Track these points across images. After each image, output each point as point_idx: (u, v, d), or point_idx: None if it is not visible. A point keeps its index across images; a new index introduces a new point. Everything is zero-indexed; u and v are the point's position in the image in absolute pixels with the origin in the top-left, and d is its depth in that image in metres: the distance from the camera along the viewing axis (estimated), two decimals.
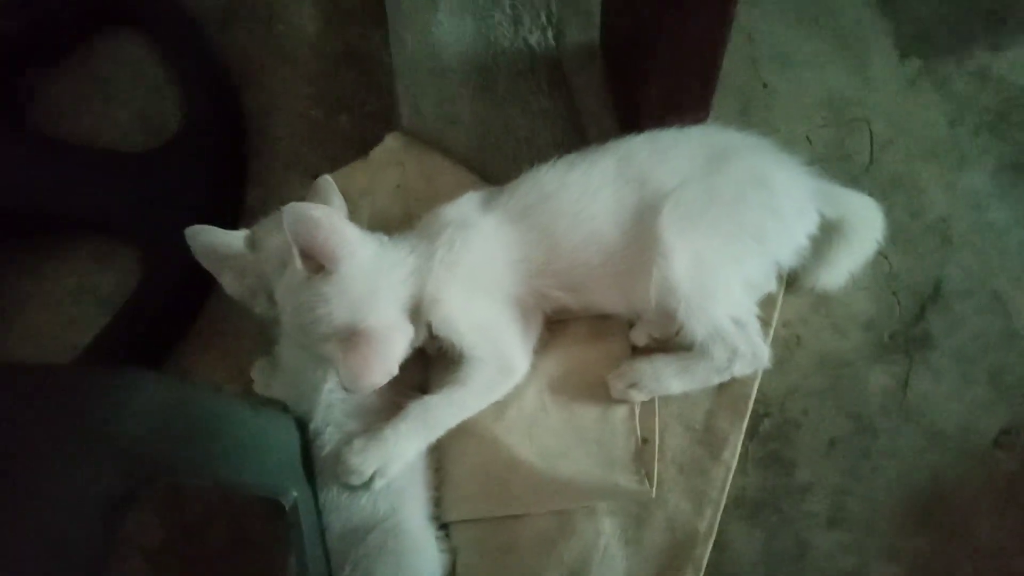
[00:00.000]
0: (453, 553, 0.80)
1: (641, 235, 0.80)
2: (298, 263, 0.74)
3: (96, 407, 0.59)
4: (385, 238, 0.82)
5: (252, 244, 0.82)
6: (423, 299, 0.79)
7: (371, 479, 0.77)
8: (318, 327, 0.75)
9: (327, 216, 0.75)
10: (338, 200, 0.85)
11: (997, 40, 1.04)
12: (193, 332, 0.99)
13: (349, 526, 0.77)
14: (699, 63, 0.85)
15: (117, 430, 0.59)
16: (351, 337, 0.74)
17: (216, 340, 0.98)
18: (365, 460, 0.77)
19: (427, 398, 0.80)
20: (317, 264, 0.75)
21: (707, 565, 0.78)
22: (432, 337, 0.81)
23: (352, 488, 0.78)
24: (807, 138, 1.00)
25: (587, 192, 0.82)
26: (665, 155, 0.83)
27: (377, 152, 1.02)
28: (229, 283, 0.84)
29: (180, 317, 0.99)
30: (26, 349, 0.97)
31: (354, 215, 0.99)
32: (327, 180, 0.85)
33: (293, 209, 0.73)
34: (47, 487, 0.55)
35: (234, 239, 0.83)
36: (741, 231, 0.81)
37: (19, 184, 0.98)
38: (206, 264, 0.84)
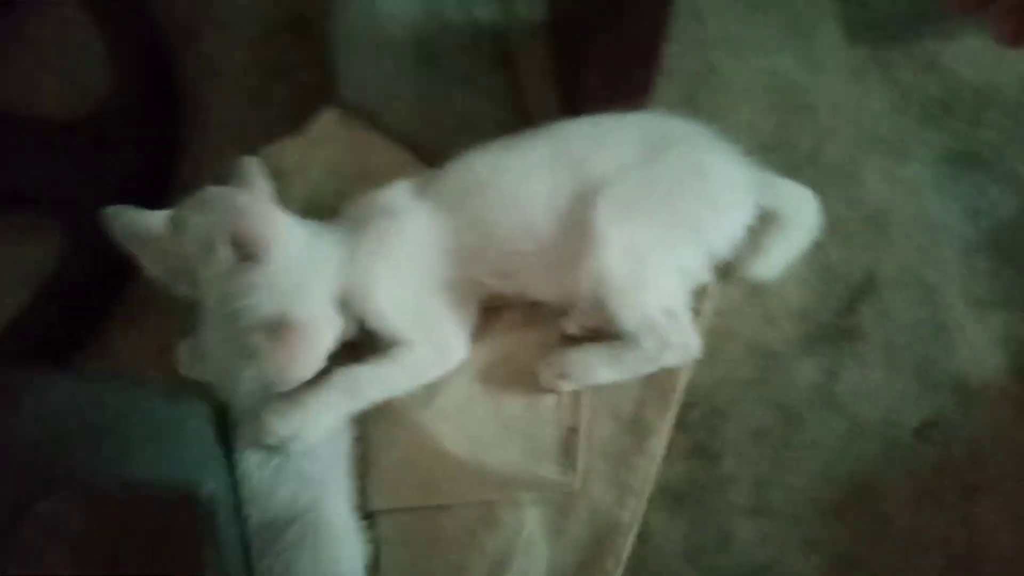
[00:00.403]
0: (376, 544, 0.80)
1: (575, 223, 0.79)
2: (224, 251, 0.71)
3: None
4: (315, 225, 0.80)
5: (176, 225, 0.80)
6: (352, 290, 0.77)
7: (287, 443, 0.76)
8: (243, 317, 0.73)
9: (254, 203, 0.73)
10: (263, 183, 0.82)
11: (947, 29, 1.03)
12: (118, 309, 0.96)
13: (269, 517, 0.76)
14: (640, 48, 0.83)
15: (7, 436, 0.57)
16: (278, 329, 0.73)
17: (142, 318, 0.95)
18: (283, 422, 0.75)
19: (355, 368, 0.79)
20: (244, 252, 0.73)
21: (629, 556, 0.79)
22: (362, 330, 0.79)
23: (268, 449, 0.76)
24: (751, 124, 0.98)
25: (521, 178, 0.81)
26: (602, 142, 0.82)
27: (312, 127, 0.99)
28: (150, 265, 0.81)
29: (104, 294, 0.96)
30: None
31: (287, 193, 0.96)
32: (251, 161, 0.82)
33: (219, 194, 0.71)
34: None
35: (155, 220, 0.80)
36: (677, 221, 0.81)
37: None
38: (126, 246, 0.81)
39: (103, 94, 1.02)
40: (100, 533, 0.67)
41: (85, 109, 1.01)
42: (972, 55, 1.01)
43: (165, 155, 1.03)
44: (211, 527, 0.73)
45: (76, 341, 0.94)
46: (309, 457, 0.78)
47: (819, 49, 1.03)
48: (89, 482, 0.65)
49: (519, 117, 0.98)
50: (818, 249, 0.89)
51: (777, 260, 0.86)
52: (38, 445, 0.61)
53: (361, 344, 0.82)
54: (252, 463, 0.77)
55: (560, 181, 0.80)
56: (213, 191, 0.79)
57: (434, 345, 0.81)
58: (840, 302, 0.89)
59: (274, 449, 0.77)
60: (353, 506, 0.80)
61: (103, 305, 0.95)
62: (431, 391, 0.82)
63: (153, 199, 0.98)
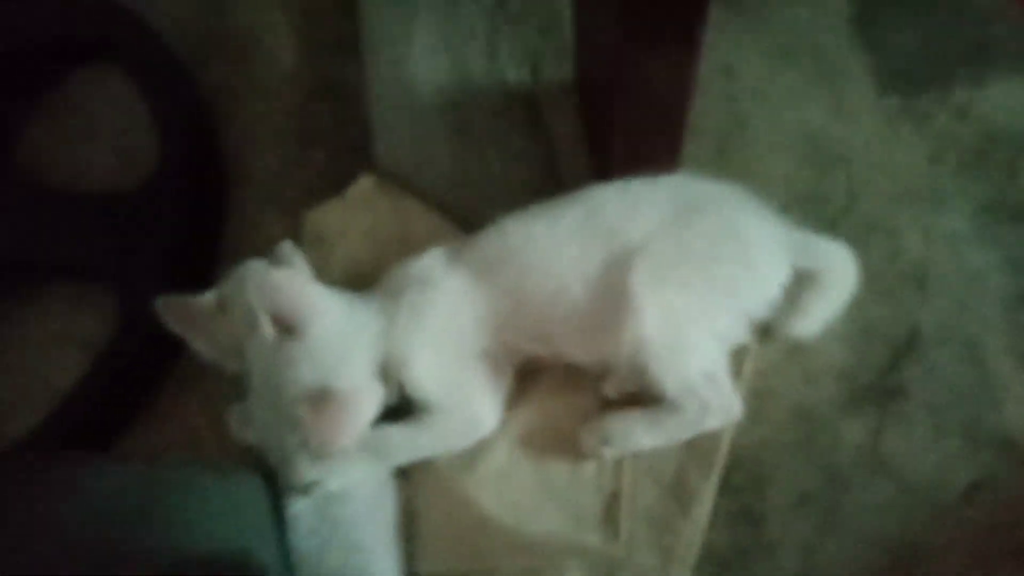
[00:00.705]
0: None
1: (610, 289, 0.80)
2: (265, 328, 0.73)
3: (44, 501, 0.59)
4: (353, 297, 0.82)
5: (221, 306, 0.82)
6: (391, 360, 0.79)
7: (312, 487, 0.78)
8: (287, 389, 0.75)
9: (290, 280, 0.75)
10: (301, 262, 0.84)
11: (980, 76, 1.02)
12: (172, 375, 0.98)
13: None
14: (663, 114, 0.83)
15: (68, 523, 0.59)
16: (321, 399, 0.74)
17: (195, 384, 0.97)
18: (311, 468, 0.78)
19: (386, 429, 0.81)
20: (285, 327, 0.75)
21: None
22: (402, 395, 0.81)
23: (291, 489, 0.79)
24: (784, 178, 0.99)
25: (553, 246, 0.82)
26: (634, 208, 0.83)
27: (351, 193, 1.01)
28: (201, 347, 0.83)
29: (159, 360, 0.98)
30: (9, 394, 0.97)
31: (328, 258, 0.99)
32: (289, 246, 0.85)
33: (256, 274, 0.73)
34: None
35: (202, 304, 0.82)
36: (713, 286, 0.81)
37: (3, 233, 0.98)
38: (178, 331, 0.83)
39: (150, 165, 1.05)
40: None
41: (133, 181, 1.04)
42: (1007, 101, 1.01)
43: (212, 220, 1.06)
44: None
45: (133, 407, 0.96)
46: (357, 524, 0.80)
47: (850, 99, 1.03)
48: (146, 562, 0.66)
49: (552, 179, 0.99)
50: (857, 306, 0.88)
51: (816, 319, 0.85)
52: (96, 527, 0.63)
53: (398, 405, 0.84)
54: (302, 532, 0.79)
55: (593, 247, 0.81)
56: (251, 267, 0.81)
57: (466, 416, 0.82)
58: (882, 360, 0.88)
59: (305, 492, 0.78)
60: (401, 571, 0.81)
61: (158, 371, 0.98)
62: (473, 457, 0.83)
63: (202, 265, 1.03)
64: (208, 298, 0.82)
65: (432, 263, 0.84)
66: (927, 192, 0.96)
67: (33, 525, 0.59)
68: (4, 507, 0.62)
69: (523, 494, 0.82)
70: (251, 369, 0.79)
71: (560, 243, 0.82)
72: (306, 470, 0.77)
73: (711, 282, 0.81)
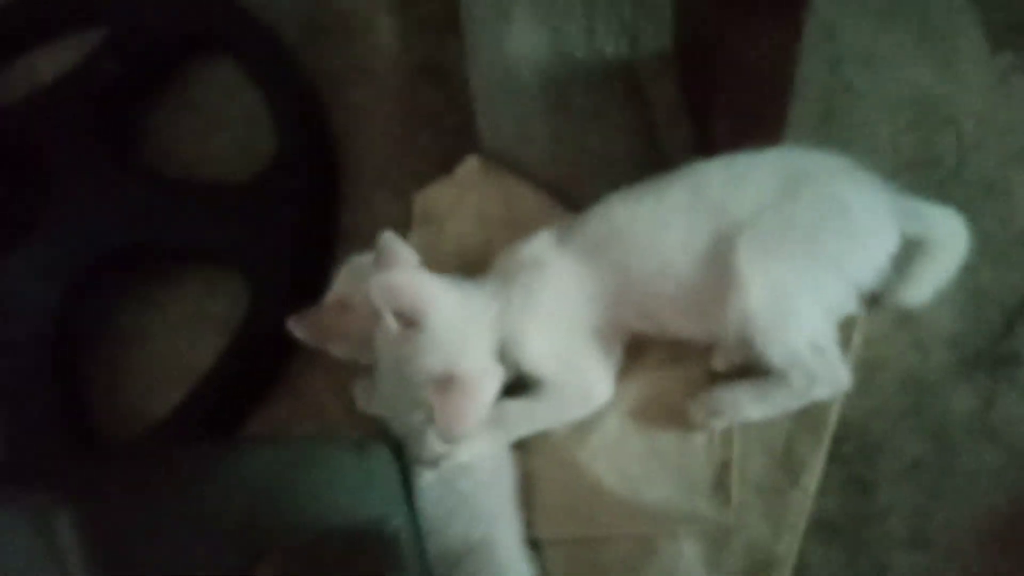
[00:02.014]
0: (544, 573, 0.85)
1: (716, 265, 0.80)
2: (390, 324, 0.77)
3: (209, 486, 0.65)
4: (467, 283, 0.85)
5: (342, 306, 0.86)
6: (507, 341, 0.82)
7: (440, 460, 0.83)
8: (414, 377, 0.79)
9: (408, 279, 0.78)
10: (406, 251, 0.86)
11: None
12: (301, 352, 1.04)
13: (445, 549, 0.82)
14: (767, 84, 0.82)
15: (229, 505, 0.65)
16: (446, 383, 0.78)
17: (321, 359, 1.01)
18: (436, 442, 0.82)
19: (506, 403, 0.84)
20: (407, 320, 0.79)
21: None
22: (519, 373, 0.84)
23: (419, 462, 0.84)
24: (892, 143, 0.96)
25: (659, 223, 0.82)
26: (738, 183, 0.82)
27: (458, 172, 1.04)
28: (337, 350, 0.88)
29: (288, 338, 1.04)
30: (150, 374, 1.05)
31: (438, 237, 1.02)
32: (391, 237, 0.86)
33: (375, 280, 0.77)
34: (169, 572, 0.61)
35: (327, 310, 0.87)
36: (819, 258, 0.81)
37: (132, 221, 1.05)
38: (312, 343, 0.88)
39: (268, 153, 1.10)
40: (310, 572, 0.75)
41: (254, 169, 1.10)
42: None
43: (329, 204, 1.11)
44: (396, 557, 0.81)
45: (264, 384, 1.03)
46: (480, 494, 0.85)
47: (959, 57, 0.99)
48: (290, 536, 0.72)
49: (653, 152, 0.99)
50: (969, 271, 0.86)
51: (926, 286, 0.84)
52: (239, 509, 0.68)
53: (516, 382, 0.88)
54: (429, 500, 0.84)
55: (698, 223, 0.82)
56: (359, 262, 0.85)
57: (581, 388, 0.85)
58: (995, 326, 0.86)
59: (434, 466, 0.83)
60: (522, 538, 0.86)
61: (286, 350, 1.03)
62: (585, 429, 0.86)
63: (322, 247, 1.08)
64: (329, 301, 0.87)
65: (542, 245, 0.86)
66: None
67: (177, 512, 0.65)
68: (150, 495, 0.68)
69: (634, 464, 0.85)
70: (379, 356, 0.83)
71: (665, 221, 0.82)
72: (433, 445, 0.82)
73: (817, 254, 0.80)
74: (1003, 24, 0.98)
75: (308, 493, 0.74)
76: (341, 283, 0.88)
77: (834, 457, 0.84)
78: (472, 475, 0.84)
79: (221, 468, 0.68)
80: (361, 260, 0.90)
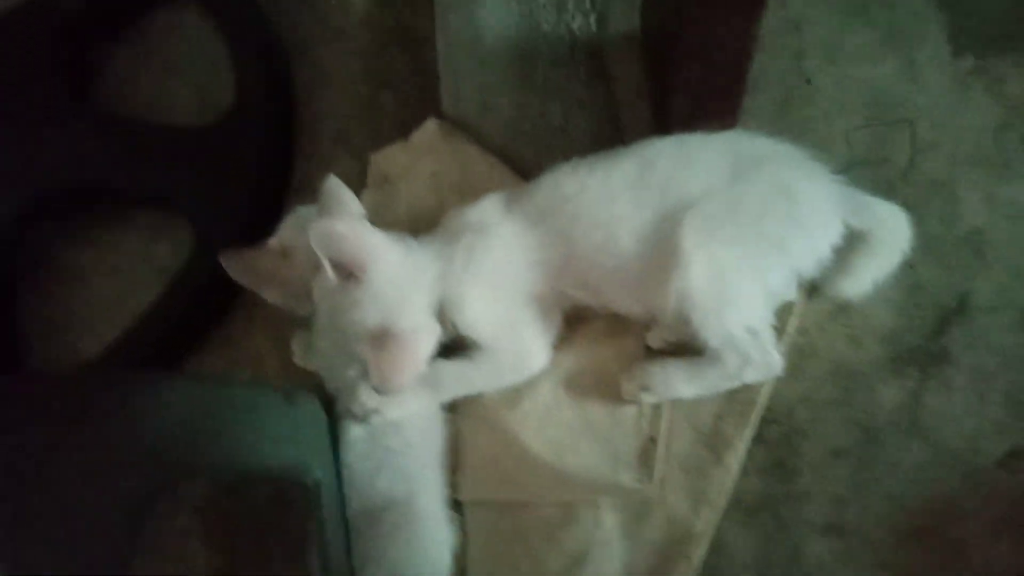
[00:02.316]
0: (464, 532, 0.85)
1: (659, 242, 0.80)
2: (329, 274, 0.76)
3: (119, 413, 0.64)
4: (412, 241, 0.84)
5: (283, 253, 0.85)
6: (446, 301, 0.81)
7: (370, 415, 0.82)
8: (350, 330, 0.78)
9: (351, 228, 0.77)
10: (351, 200, 0.85)
11: None
12: (241, 301, 1.03)
13: (368, 504, 0.82)
14: (726, 65, 0.82)
15: (139, 434, 0.64)
16: (382, 338, 0.77)
17: (262, 310, 1.01)
18: (371, 397, 0.82)
19: (440, 363, 0.84)
20: (347, 271, 0.78)
21: (701, 565, 0.81)
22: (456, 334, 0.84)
23: (350, 417, 0.83)
24: (846, 138, 0.96)
25: (606, 197, 0.82)
26: (688, 163, 0.82)
27: (416, 136, 1.03)
28: (270, 296, 0.88)
29: (228, 288, 1.02)
30: (87, 314, 1.03)
31: (393, 198, 1.02)
32: (336, 182, 0.86)
33: (318, 226, 0.75)
34: (69, 493, 0.60)
35: (265, 253, 0.86)
36: (762, 243, 0.80)
37: (82, 160, 1.03)
38: (245, 283, 0.87)
39: (227, 101, 1.09)
40: (226, 513, 0.74)
41: (210, 116, 1.08)
42: None
43: (284, 157, 1.09)
44: (316, 508, 0.80)
45: (202, 332, 1.02)
46: (407, 452, 0.84)
47: (921, 59, 0.99)
48: (213, 475, 0.71)
49: (613, 129, 0.99)
50: (909, 269, 0.87)
51: (865, 279, 0.84)
52: (166, 441, 0.67)
53: (454, 343, 0.87)
54: (356, 455, 0.84)
55: (645, 201, 0.81)
56: (305, 212, 0.84)
57: (517, 354, 0.85)
58: (929, 324, 0.87)
59: (364, 421, 0.83)
60: (445, 499, 0.85)
61: (227, 299, 1.03)
62: (518, 394, 0.86)
63: (274, 199, 1.07)
64: (271, 246, 0.86)
65: (488, 209, 0.85)
66: (993, 158, 0.93)
67: (109, 435, 0.64)
68: (83, 417, 0.67)
69: (563, 432, 0.85)
70: (317, 307, 0.82)
71: (612, 195, 0.82)
72: (365, 400, 0.81)
73: (759, 239, 0.80)
74: (966, 29, 0.99)
75: (229, 434, 0.73)
76: (285, 230, 0.87)
77: (759, 439, 0.84)
78: (401, 433, 0.84)
79: (135, 398, 0.67)
80: (308, 210, 0.89)
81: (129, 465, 0.63)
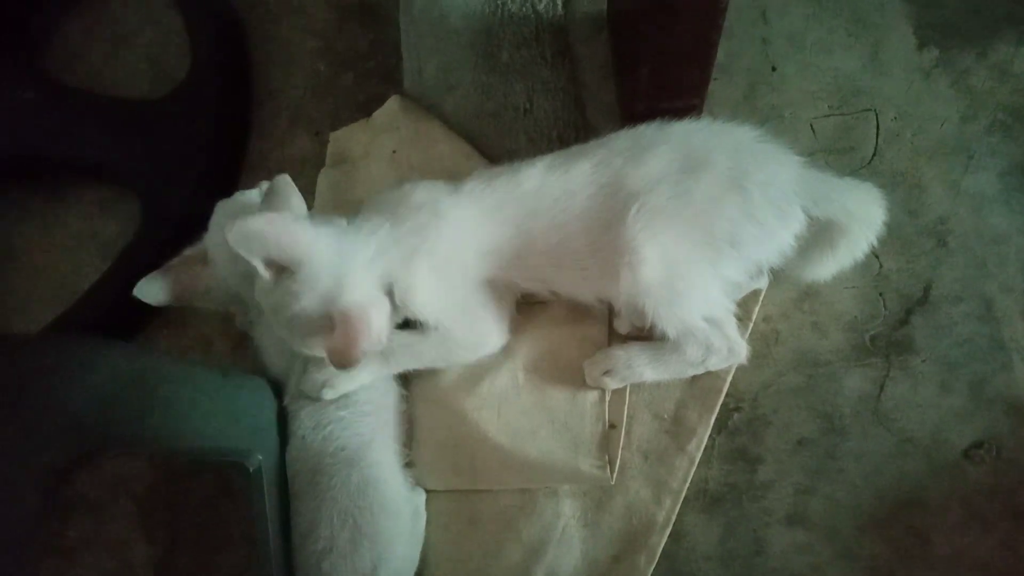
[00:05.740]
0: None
1: (610, 236, 0.74)
2: (262, 272, 0.70)
3: (42, 380, 0.57)
4: (343, 222, 0.77)
5: (203, 260, 0.80)
6: (395, 284, 0.75)
7: (322, 390, 0.77)
8: (298, 321, 0.71)
9: (270, 224, 0.70)
10: (296, 199, 0.78)
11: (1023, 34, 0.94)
12: None
13: (322, 465, 0.75)
14: (691, 49, 0.77)
15: (62, 403, 0.56)
16: (329, 321, 0.71)
17: None
18: (321, 372, 0.76)
19: (392, 334, 0.77)
20: (279, 267, 0.71)
21: (661, 554, 0.75)
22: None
23: (306, 397, 0.78)
24: (811, 127, 0.92)
25: (564, 196, 0.76)
26: (641, 157, 0.76)
27: (377, 114, 0.97)
28: (207, 305, 0.82)
29: None
30: (31, 290, 0.95)
31: (351, 177, 0.95)
32: (286, 180, 0.78)
33: (236, 229, 0.68)
34: None
35: (183, 268, 0.80)
36: (713, 236, 0.74)
37: (27, 129, 0.95)
38: (180, 302, 0.81)
39: (180, 74, 1.01)
40: (162, 491, 0.67)
41: (162, 89, 1.01)
42: None
43: (238, 133, 1.02)
44: (259, 496, 0.73)
45: (148, 311, 0.93)
46: (359, 424, 0.78)
47: (887, 50, 0.96)
48: (146, 447, 0.64)
49: (577, 111, 0.94)
50: (874, 258, 0.83)
51: (830, 265, 0.79)
52: (90, 412, 0.60)
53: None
54: (307, 425, 0.77)
55: (599, 199, 0.75)
56: (230, 231, 0.75)
57: (470, 336, 0.79)
58: (893, 314, 0.83)
59: (314, 397, 0.77)
60: (400, 461, 0.80)
61: None
62: (476, 377, 0.80)
63: (226, 177, 0.99)
64: (188, 256, 0.80)
65: (438, 191, 0.79)
66: (956, 149, 0.90)
67: (47, 400, 0.57)
68: (21, 383, 0.59)
69: (522, 417, 0.79)
70: (263, 309, 0.76)
71: (570, 194, 0.76)
72: (317, 375, 0.75)
73: (712, 232, 0.74)
74: (932, 22, 0.96)
75: (161, 408, 0.66)
76: (210, 238, 0.81)
77: (721, 427, 0.79)
78: (352, 403, 0.78)
79: (61, 364, 0.59)
80: (240, 225, 0.81)
81: (46, 435, 0.56)
